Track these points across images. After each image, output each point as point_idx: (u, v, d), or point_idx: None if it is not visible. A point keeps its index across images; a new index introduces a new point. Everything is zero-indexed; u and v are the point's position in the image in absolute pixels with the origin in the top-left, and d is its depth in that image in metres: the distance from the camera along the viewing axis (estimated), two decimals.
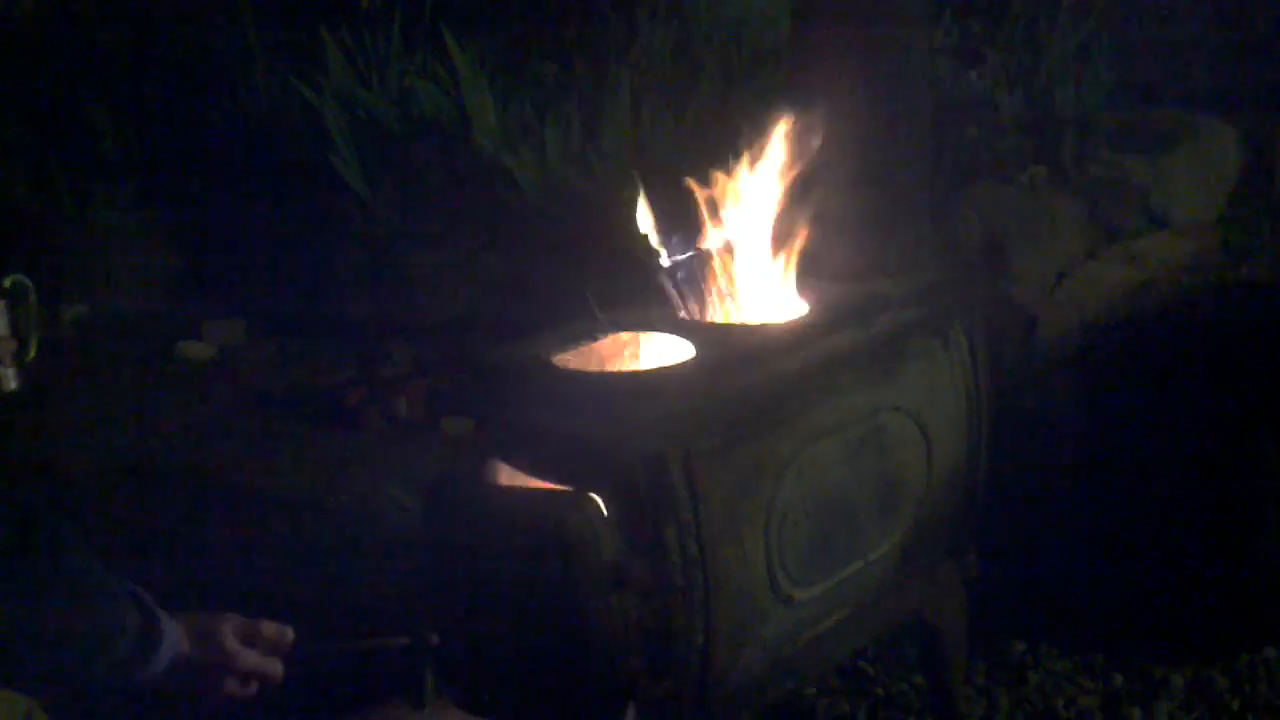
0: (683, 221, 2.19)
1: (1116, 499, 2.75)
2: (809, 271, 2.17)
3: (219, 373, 3.95)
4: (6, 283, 1.85)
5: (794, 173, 2.09)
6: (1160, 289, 4.01)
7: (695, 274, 2.13)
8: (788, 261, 2.13)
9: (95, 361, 4.04)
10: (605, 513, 1.75)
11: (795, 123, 2.08)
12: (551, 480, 1.86)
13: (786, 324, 2.05)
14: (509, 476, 1.93)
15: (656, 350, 2.07)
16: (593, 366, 2.04)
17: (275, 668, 1.72)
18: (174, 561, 2.74)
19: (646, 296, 2.17)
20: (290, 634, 1.75)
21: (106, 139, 4.82)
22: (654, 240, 2.12)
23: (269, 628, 1.72)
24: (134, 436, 3.51)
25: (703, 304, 2.13)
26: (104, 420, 3.62)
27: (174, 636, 1.61)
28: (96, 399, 3.75)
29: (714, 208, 2.12)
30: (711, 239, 2.10)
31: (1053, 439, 2.91)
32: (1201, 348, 3.32)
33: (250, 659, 1.68)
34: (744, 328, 2.10)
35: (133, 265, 4.54)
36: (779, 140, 2.09)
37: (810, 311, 2.09)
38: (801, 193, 2.16)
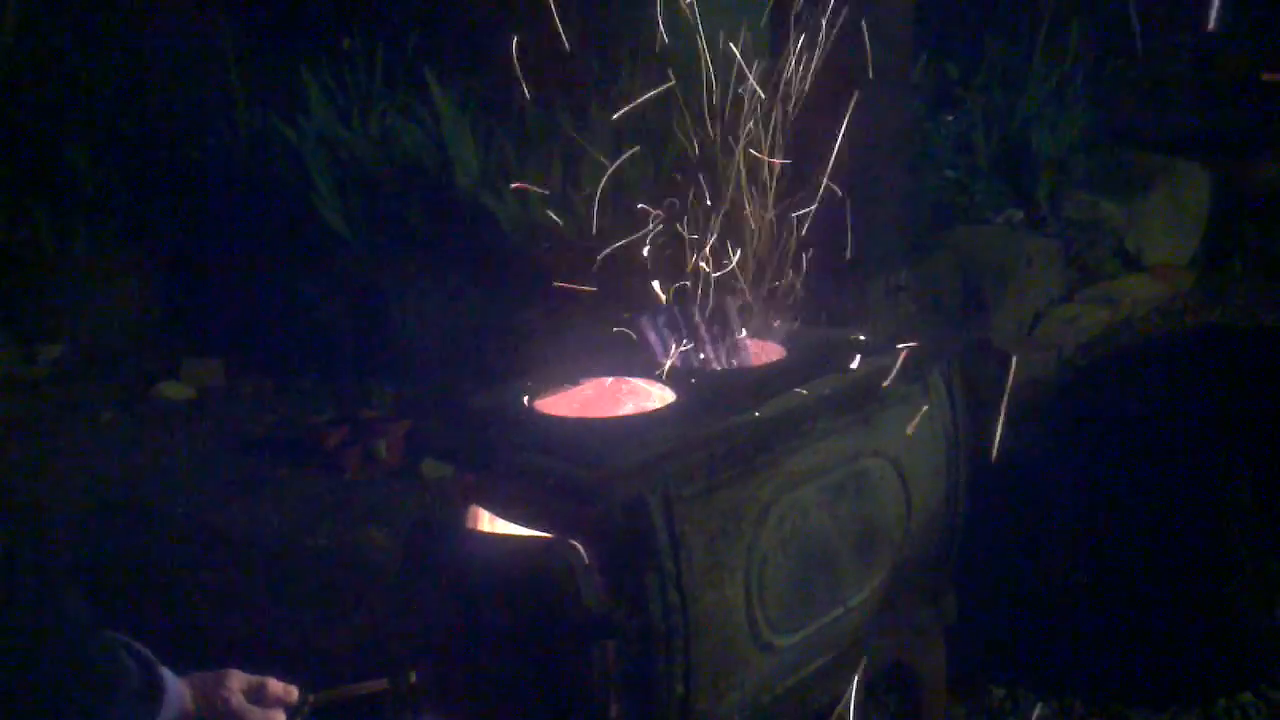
0: (663, 262, 2.20)
1: (1094, 542, 2.75)
2: (788, 316, 2.19)
3: (198, 413, 3.94)
4: None
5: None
6: (1136, 330, 4.05)
7: (676, 319, 2.13)
8: (767, 306, 2.14)
9: (73, 401, 4.02)
10: (586, 559, 1.75)
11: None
12: (532, 526, 1.85)
13: (765, 369, 2.06)
14: (489, 522, 1.93)
15: (637, 395, 2.08)
16: (574, 411, 2.04)
17: None
18: (155, 606, 2.73)
19: (627, 340, 2.18)
20: (295, 692, 1.73)
21: (87, 177, 4.82)
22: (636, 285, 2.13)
23: (275, 686, 1.70)
24: (112, 477, 3.50)
25: (683, 349, 2.13)
26: (82, 461, 3.61)
27: (177, 694, 1.56)
28: (74, 439, 3.74)
29: (695, 250, 2.13)
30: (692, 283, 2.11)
31: (1030, 482, 2.92)
32: (1178, 390, 3.35)
33: (256, 717, 1.66)
34: (724, 373, 2.11)
35: (112, 304, 4.53)
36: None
37: (789, 356, 2.10)
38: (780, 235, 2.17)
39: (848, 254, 2.22)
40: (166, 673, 1.55)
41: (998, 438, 2.10)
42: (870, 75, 2.44)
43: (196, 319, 4.48)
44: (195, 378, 4.15)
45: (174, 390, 4.08)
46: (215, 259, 4.53)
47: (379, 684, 1.88)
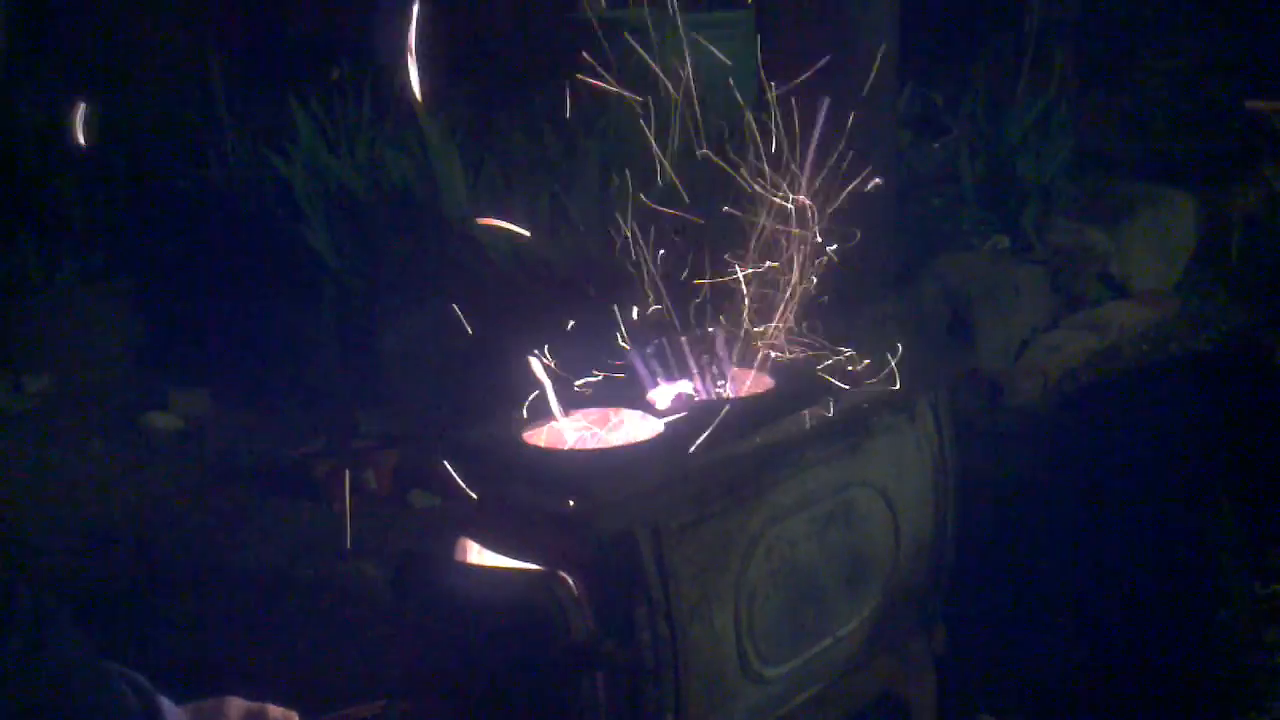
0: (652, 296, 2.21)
1: (1082, 569, 2.77)
2: (776, 346, 2.19)
3: (186, 443, 3.93)
4: None
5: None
6: (1123, 357, 4.07)
7: (664, 349, 2.14)
8: (754, 335, 2.15)
9: (61, 432, 4.01)
10: (575, 592, 1.75)
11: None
12: (521, 558, 1.86)
13: (753, 399, 2.07)
14: (478, 554, 1.93)
15: (625, 426, 2.08)
16: (562, 443, 2.05)
17: None
18: (149, 637, 2.72)
19: (615, 370, 2.18)
20: (295, 717, 1.72)
21: (74, 208, 4.82)
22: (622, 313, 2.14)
23: (274, 711, 1.70)
24: (101, 509, 3.49)
25: (671, 379, 2.14)
26: (70, 493, 3.60)
27: None
28: (62, 471, 3.73)
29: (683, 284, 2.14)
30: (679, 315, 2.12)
31: (1019, 509, 2.93)
32: (1163, 416, 3.37)
33: None
34: (711, 403, 2.12)
35: (99, 335, 4.52)
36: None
37: (777, 387, 2.10)
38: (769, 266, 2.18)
39: (833, 284, 2.23)
40: (165, 702, 1.55)
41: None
42: (854, 106, 2.46)
43: (184, 349, 4.48)
44: (183, 408, 4.14)
45: (162, 421, 4.08)
46: (203, 288, 4.53)
47: (377, 706, 1.88)
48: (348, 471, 3.39)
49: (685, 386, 2.13)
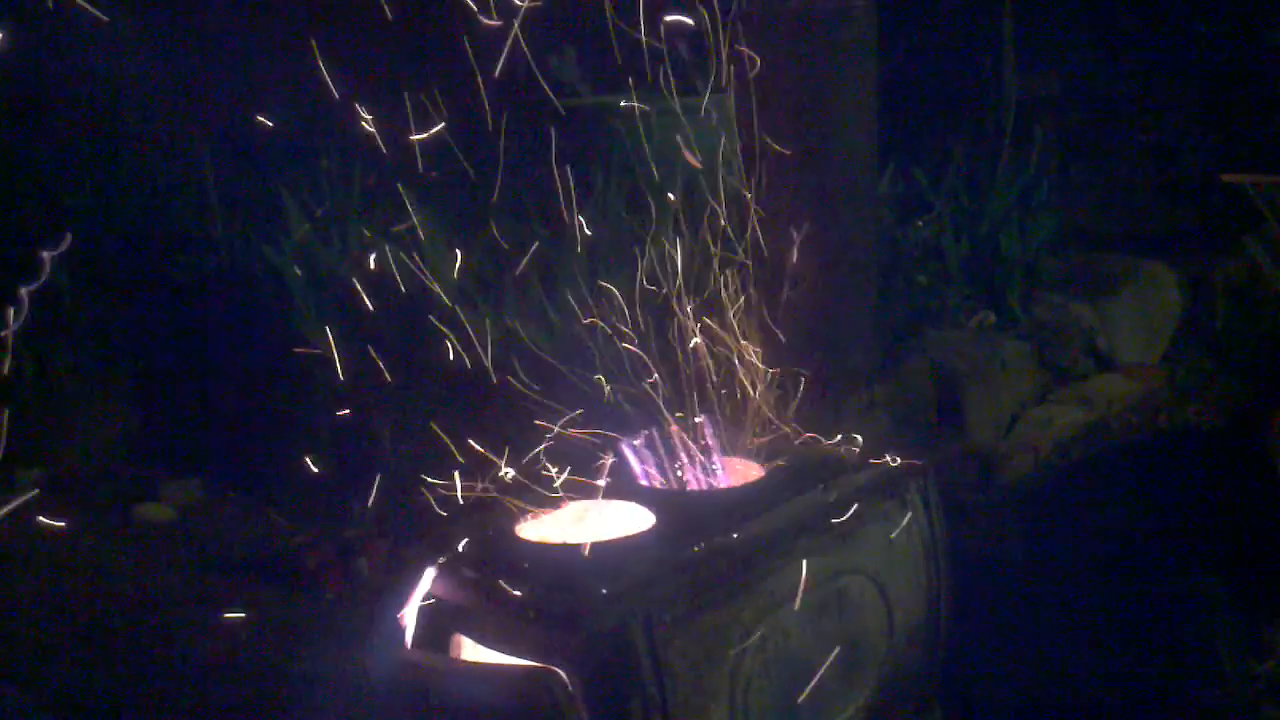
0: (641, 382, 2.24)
1: (1075, 648, 2.77)
2: (766, 434, 2.22)
3: (179, 534, 3.92)
4: None
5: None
6: (1112, 430, 4.10)
7: (654, 439, 2.16)
8: (746, 425, 2.17)
9: (51, 525, 3.99)
10: (570, 687, 1.75)
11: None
12: (516, 654, 1.86)
13: (745, 489, 2.08)
14: (472, 650, 1.93)
15: (618, 517, 2.09)
16: (555, 535, 2.06)
17: None
18: None
19: (609, 461, 2.20)
20: None
21: (67, 297, 4.84)
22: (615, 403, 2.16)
23: None
24: (93, 603, 3.47)
25: (662, 469, 2.16)
26: (62, 587, 3.58)
27: None
28: (53, 564, 3.71)
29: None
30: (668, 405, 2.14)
31: (1012, 588, 2.94)
32: (1154, 491, 3.39)
33: None
34: (703, 494, 2.13)
35: (91, 425, 4.52)
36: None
37: (768, 476, 2.12)
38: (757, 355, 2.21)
39: (825, 372, 2.26)
40: None
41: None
42: (836, 196, 2.52)
43: (176, 438, 4.48)
44: (175, 498, 4.13)
45: (154, 511, 4.07)
46: (195, 378, 4.54)
47: None
48: (340, 561, 3.39)
49: (677, 476, 2.15)
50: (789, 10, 2.92)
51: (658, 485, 2.14)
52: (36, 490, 4.18)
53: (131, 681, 3.06)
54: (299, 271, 4.24)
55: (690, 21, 2.37)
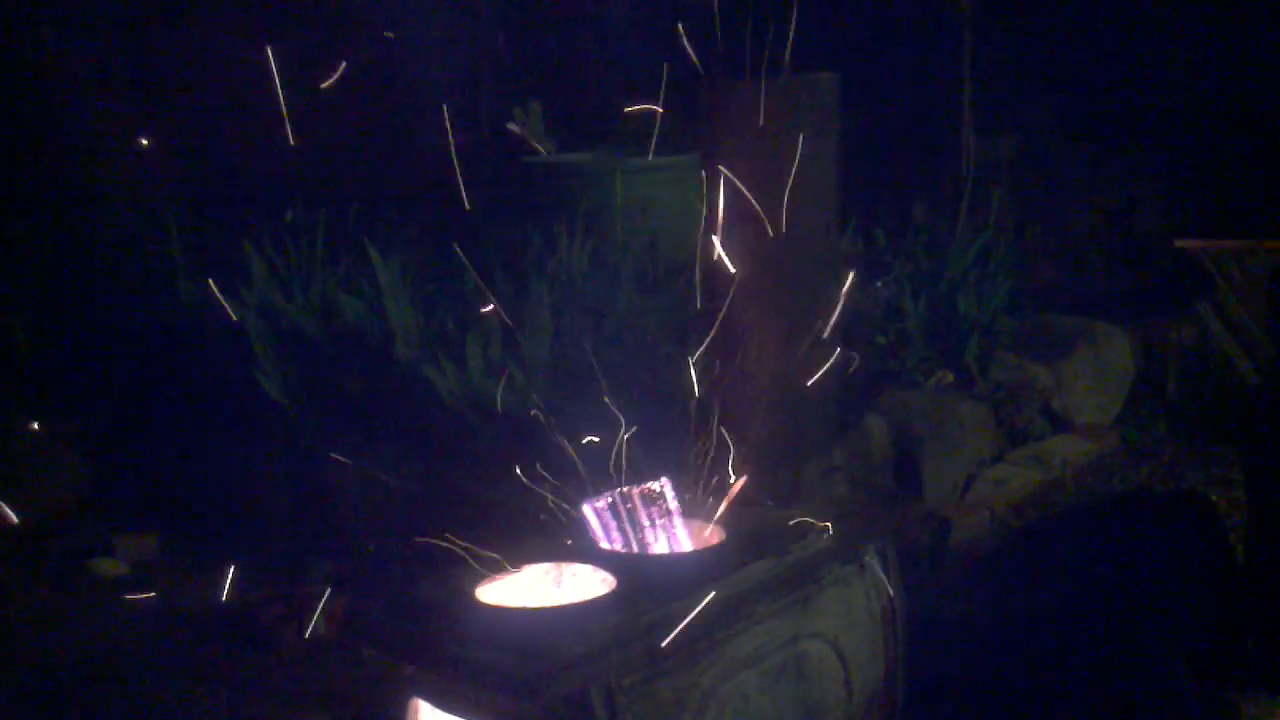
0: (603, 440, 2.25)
1: (1029, 705, 2.78)
2: (725, 498, 2.23)
3: (132, 590, 3.87)
4: None
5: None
6: (1066, 490, 4.14)
7: (617, 504, 2.17)
8: (705, 490, 2.18)
9: (4, 581, 3.94)
10: None
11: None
12: (474, 718, 1.85)
13: (705, 553, 2.09)
14: (431, 715, 1.93)
15: (578, 581, 2.10)
16: (515, 599, 2.06)
17: None
18: None
19: (568, 524, 2.21)
20: None
21: (25, 349, 4.80)
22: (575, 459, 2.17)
23: None
24: (44, 661, 3.42)
25: (623, 533, 2.17)
26: (12, 644, 3.53)
27: None
28: (5, 621, 3.66)
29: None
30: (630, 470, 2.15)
31: (968, 649, 2.95)
32: (1108, 551, 3.42)
33: None
34: (663, 558, 2.14)
35: (46, 479, 4.46)
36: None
37: (727, 541, 2.13)
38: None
39: (783, 437, 2.28)
40: None
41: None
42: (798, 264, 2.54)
43: (131, 492, 4.43)
44: (129, 553, 4.08)
45: (107, 567, 4.01)
46: (151, 431, 4.51)
47: None
48: (295, 618, 3.36)
49: (638, 540, 2.15)
50: (752, 80, 2.96)
51: (618, 548, 2.14)
52: None
53: None
54: (259, 323, 4.23)
55: (659, 109, 2.41)
